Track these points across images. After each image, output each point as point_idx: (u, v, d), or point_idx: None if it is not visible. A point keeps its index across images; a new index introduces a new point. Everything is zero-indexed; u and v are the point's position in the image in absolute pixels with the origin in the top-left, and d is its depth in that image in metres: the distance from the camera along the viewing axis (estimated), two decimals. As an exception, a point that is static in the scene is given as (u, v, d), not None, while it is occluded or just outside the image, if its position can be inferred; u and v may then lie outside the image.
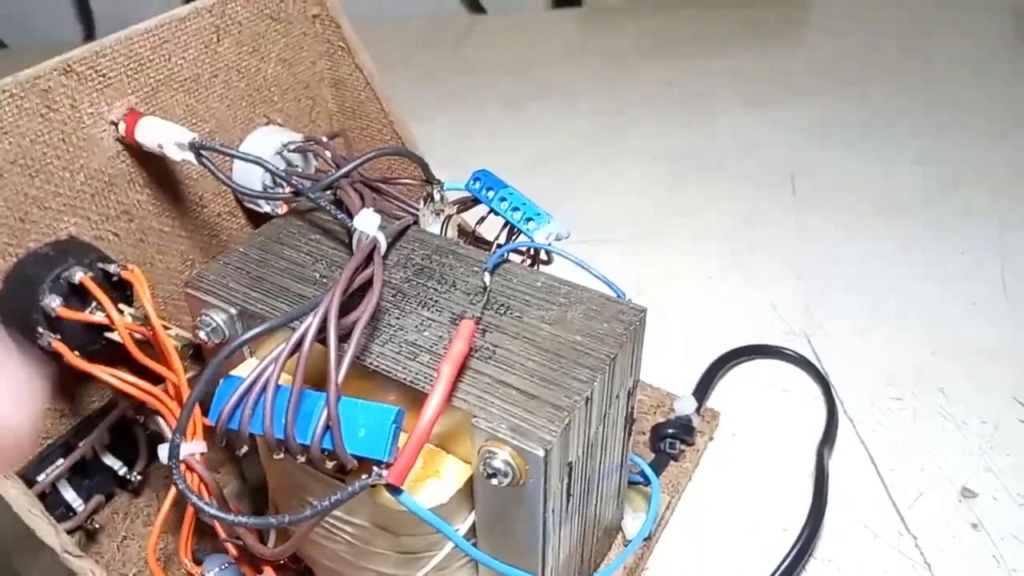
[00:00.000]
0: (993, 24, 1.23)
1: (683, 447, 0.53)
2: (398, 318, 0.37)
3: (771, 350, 0.62)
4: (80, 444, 0.46)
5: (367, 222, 0.38)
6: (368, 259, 0.36)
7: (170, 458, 0.31)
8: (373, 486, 0.31)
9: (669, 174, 0.88)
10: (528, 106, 1.05)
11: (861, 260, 0.74)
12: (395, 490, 0.31)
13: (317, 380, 0.33)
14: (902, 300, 0.69)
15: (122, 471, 0.48)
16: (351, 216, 0.40)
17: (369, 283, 0.36)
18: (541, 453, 0.31)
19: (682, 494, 0.52)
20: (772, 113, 0.99)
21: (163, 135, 0.42)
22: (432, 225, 0.47)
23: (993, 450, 0.55)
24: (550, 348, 0.36)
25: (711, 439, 0.55)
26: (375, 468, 0.31)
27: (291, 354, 0.32)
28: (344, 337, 0.33)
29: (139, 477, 0.49)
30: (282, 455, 0.33)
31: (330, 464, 0.32)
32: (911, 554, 0.48)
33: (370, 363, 0.35)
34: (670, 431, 0.52)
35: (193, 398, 0.32)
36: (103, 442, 0.48)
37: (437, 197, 0.47)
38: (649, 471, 0.47)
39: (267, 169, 0.41)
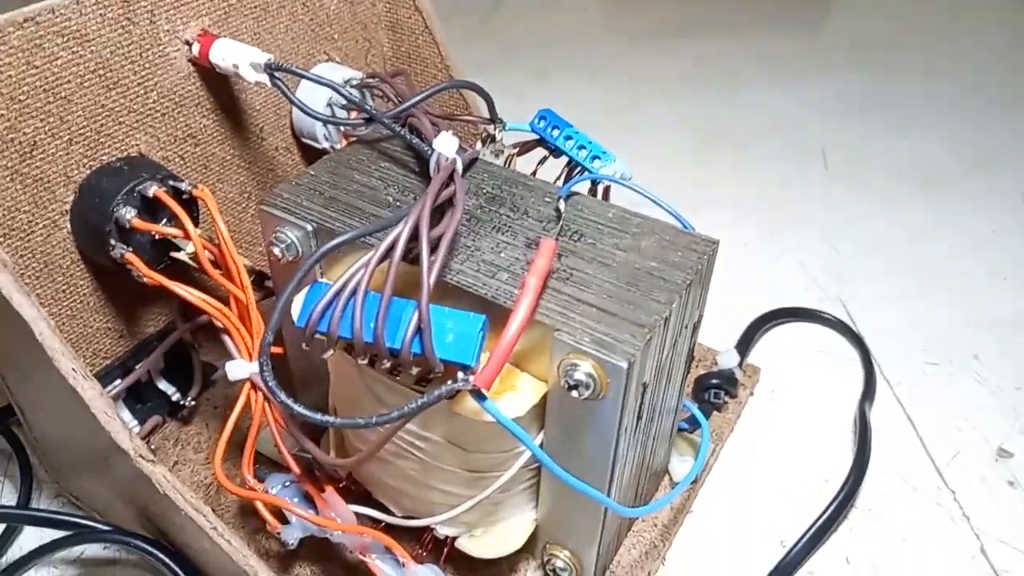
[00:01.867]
0: (1016, 8, 1.24)
1: (727, 398, 0.53)
2: (474, 240, 0.38)
3: (809, 313, 0.62)
4: (137, 366, 0.47)
5: (446, 145, 0.38)
6: (450, 178, 0.37)
7: (261, 355, 0.32)
8: (459, 392, 0.32)
9: (698, 147, 0.89)
10: (555, 77, 1.05)
11: (893, 233, 0.75)
12: (480, 396, 0.32)
13: (400, 293, 0.33)
14: (932, 271, 0.70)
15: (175, 397, 0.49)
16: (423, 140, 0.41)
17: (449, 202, 0.36)
18: (624, 365, 0.32)
19: (725, 443, 0.52)
20: (799, 91, 1.00)
21: (239, 55, 0.42)
22: (491, 165, 0.47)
23: (1028, 414, 0.56)
24: (627, 272, 0.36)
25: (752, 393, 0.56)
26: (461, 374, 0.32)
27: (381, 260, 0.33)
28: (430, 251, 0.33)
29: (193, 402, 0.49)
30: (366, 361, 0.33)
31: (415, 371, 0.33)
32: (950, 507, 0.49)
33: (451, 279, 0.35)
34: (714, 382, 0.53)
35: (284, 299, 0.32)
36: (158, 367, 0.48)
37: (499, 137, 0.48)
38: (699, 414, 0.47)
39: (342, 94, 0.41)
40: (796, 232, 0.74)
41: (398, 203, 0.40)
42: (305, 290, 0.34)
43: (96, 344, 0.45)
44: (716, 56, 1.10)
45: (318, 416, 0.32)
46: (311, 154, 0.54)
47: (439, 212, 0.36)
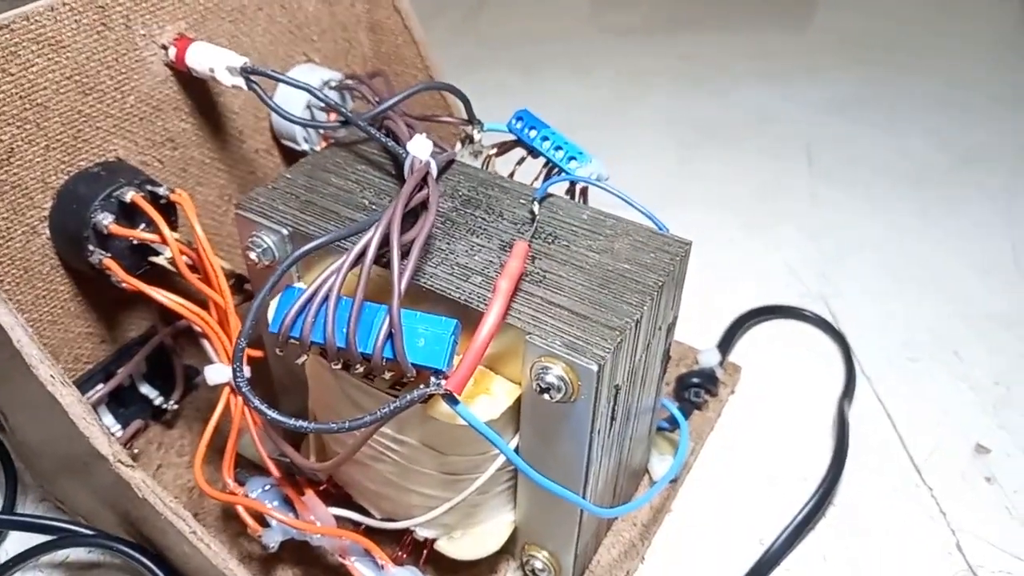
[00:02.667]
0: (1004, 3, 1.25)
1: (707, 397, 0.54)
2: (448, 243, 0.38)
3: (790, 310, 0.63)
4: (119, 371, 0.47)
5: (420, 148, 0.38)
6: (423, 182, 0.37)
7: (235, 360, 0.32)
8: (431, 396, 0.32)
9: (684, 144, 0.89)
10: (542, 74, 1.05)
11: (876, 230, 0.75)
12: (452, 400, 0.32)
13: (372, 297, 0.33)
14: (916, 268, 0.70)
15: (158, 400, 0.49)
16: (400, 146, 0.41)
17: (423, 205, 0.36)
18: (595, 368, 0.32)
19: (705, 441, 0.53)
20: (786, 87, 1.00)
21: (215, 59, 0.42)
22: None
23: (1006, 409, 0.56)
24: (599, 274, 0.36)
25: (732, 392, 0.56)
26: (433, 378, 0.32)
27: (352, 266, 0.33)
28: (400, 256, 0.33)
29: (175, 406, 0.49)
30: (340, 365, 0.33)
31: (388, 375, 0.33)
32: (927, 504, 0.50)
33: (424, 283, 0.35)
34: (695, 380, 0.53)
35: (257, 304, 0.33)
36: (140, 371, 0.49)
37: (477, 137, 0.48)
38: (678, 413, 0.48)
39: (317, 97, 0.41)
40: (780, 229, 0.75)
41: (374, 206, 0.40)
42: (279, 295, 0.35)
43: (77, 349, 0.45)
44: (703, 52, 1.10)
45: (291, 422, 0.32)
46: (291, 156, 0.54)
47: (413, 216, 0.36)
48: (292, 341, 0.33)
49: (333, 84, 0.50)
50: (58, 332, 0.44)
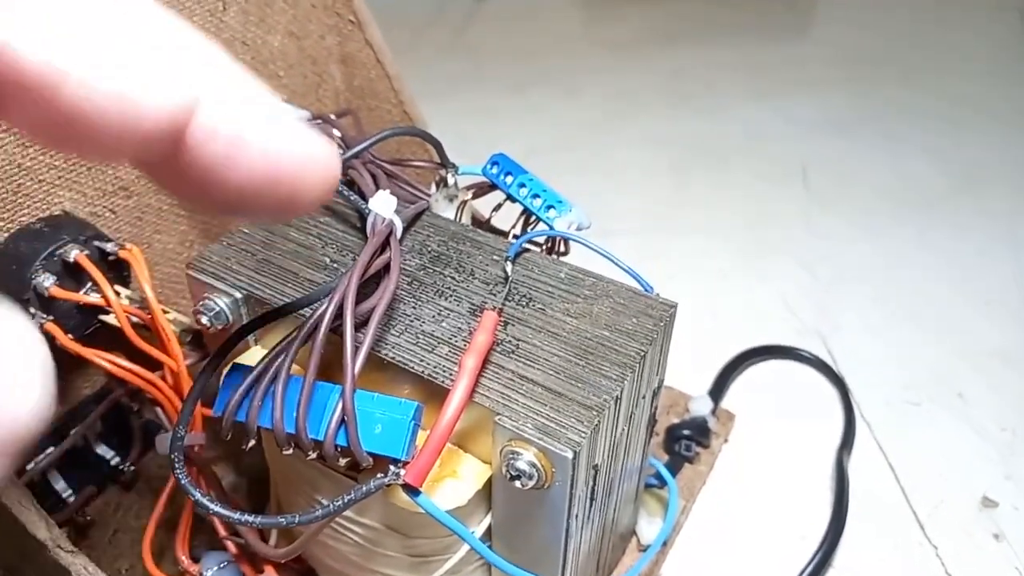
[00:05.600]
0: (1003, 19, 1.22)
1: (698, 449, 0.51)
2: (414, 307, 0.35)
3: (787, 351, 0.60)
4: (72, 432, 0.44)
5: (383, 205, 0.36)
6: (385, 244, 0.34)
7: (172, 451, 0.29)
8: (389, 486, 0.29)
9: (675, 166, 0.86)
10: (531, 93, 1.03)
11: (874, 258, 0.72)
12: (413, 491, 0.29)
13: (327, 372, 0.31)
14: (916, 299, 0.67)
15: (114, 461, 0.46)
16: (364, 198, 0.38)
17: (385, 269, 0.34)
18: (569, 455, 0.29)
19: (696, 497, 0.50)
20: (781, 105, 0.97)
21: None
22: (445, 211, 0.44)
23: (1013, 457, 0.53)
24: (576, 343, 0.34)
25: (726, 441, 0.54)
26: (391, 467, 0.29)
27: (303, 342, 0.30)
28: (359, 326, 0.31)
29: (132, 468, 0.47)
30: (291, 450, 0.31)
31: (343, 461, 0.30)
32: (932, 565, 0.47)
33: (385, 354, 0.33)
34: (685, 432, 0.51)
35: (197, 389, 0.30)
36: (95, 430, 0.46)
37: (451, 181, 0.45)
38: (667, 474, 0.45)
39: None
40: (774, 258, 0.72)
41: (336, 264, 0.37)
42: (224, 373, 0.32)
43: (24, 412, 0.43)
44: (696, 67, 1.07)
45: (236, 515, 0.29)
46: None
47: (376, 280, 0.33)
48: (237, 426, 0.30)
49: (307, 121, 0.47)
50: (2, 396, 0.41)
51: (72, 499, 0.45)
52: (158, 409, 0.40)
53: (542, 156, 0.87)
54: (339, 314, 0.30)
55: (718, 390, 0.56)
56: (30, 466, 0.42)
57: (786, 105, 0.97)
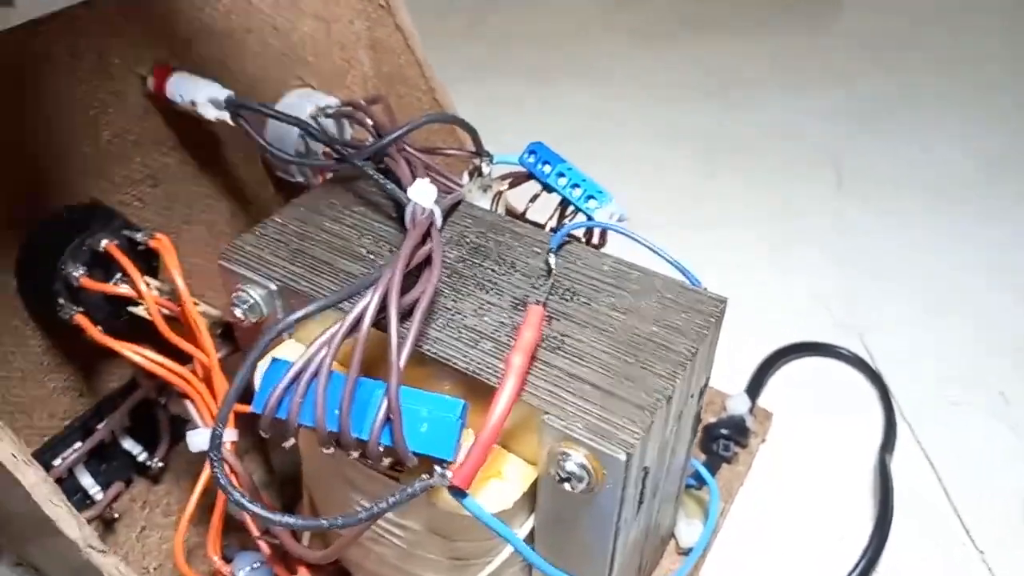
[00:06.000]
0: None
1: (736, 449, 0.50)
2: (455, 301, 0.34)
3: (825, 348, 0.59)
4: (99, 426, 0.43)
5: (423, 194, 0.34)
6: (426, 235, 0.33)
7: (211, 449, 0.28)
8: (435, 487, 0.28)
9: (702, 158, 0.85)
10: (554, 82, 1.01)
11: (909, 251, 0.70)
12: (460, 493, 0.28)
13: (368, 367, 0.30)
14: (953, 294, 0.66)
15: (142, 456, 0.45)
16: (400, 186, 0.37)
17: (426, 261, 0.32)
18: (623, 457, 0.28)
19: (735, 498, 0.49)
20: (810, 95, 0.95)
21: (196, 91, 0.38)
22: (479, 201, 0.43)
23: (1059, 459, 0.52)
24: (624, 339, 0.32)
25: (763, 441, 0.52)
26: (437, 468, 0.28)
27: (346, 336, 0.29)
28: (400, 320, 0.29)
29: (160, 464, 0.46)
30: (332, 449, 0.29)
31: (386, 461, 0.29)
32: (976, 568, 0.46)
33: (427, 350, 0.32)
34: (723, 432, 0.49)
35: (239, 385, 0.29)
36: (122, 424, 0.45)
37: (486, 171, 0.44)
38: (707, 475, 0.43)
39: (310, 133, 0.37)
40: (806, 253, 0.70)
41: (371, 255, 0.36)
42: (263, 366, 0.31)
43: (52, 406, 0.42)
44: (721, 56, 1.05)
45: (275, 517, 0.28)
46: (287, 185, 0.50)
47: (415, 272, 0.32)
48: (277, 423, 0.29)
49: (330, 111, 0.46)
50: (29, 389, 0.40)
51: (99, 494, 0.44)
52: (188, 403, 0.38)
53: (566, 145, 0.85)
54: (382, 307, 0.29)
55: (755, 388, 0.55)
56: (57, 462, 0.42)
57: (814, 95, 0.95)
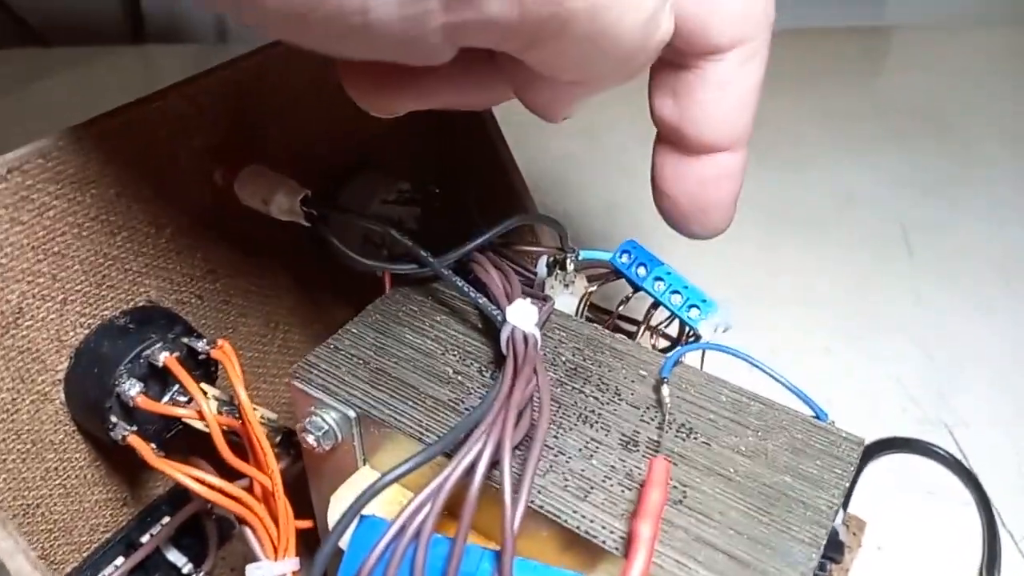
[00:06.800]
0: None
1: (832, 567, 0.45)
2: (555, 436, 0.30)
3: (918, 446, 0.54)
4: (143, 539, 0.40)
5: (524, 317, 0.31)
6: (531, 369, 0.29)
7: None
8: None
9: (760, 227, 0.81)
10: (599, 137, 0.98)
11: (994, 337, 0.66)
12: None
13: (448, 523, 0.26)
14: (1045, 386, 0.61)
15: (186, 569, 0.41)
16: (489, 297, 0.34)
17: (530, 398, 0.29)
18: (771, 652, 0.24)
19: (832, 625, 0.44)
20: (867, 158, 0.91)
21: (269, 189, 0.35)
22: (560, 299, 0.40)
23: None
24: (753, 491, 0.29)
25: (857, 555, 0.48)
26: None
27: (452, 491, 0.25)
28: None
29: (206, 577, 0.42)
30: (429, 626, 0.26)
31: (493, 643, 0.25)
32: None
33: (532, 502, 0.28)
34: (817, 548, 0.45)
35: (324, 552, 0.25)
36: (167, 535, 0.41)
37: (570, 267, 0.40)
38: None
39: (400, 240, 0.34)
40: (883, 336, 0.66)
41: (459, 375, 0.33)
42: (352, 526, 0.27)
43: (94, 519, 0.38)
44: (776, 116, 1.02)
45: None
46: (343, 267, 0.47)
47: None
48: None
49: (407, 195, 0.43)
50: (71, 505, 0.37)
51: (141, 613, 0.40)
52: (248, 532, 0.35)
53: (613, 212, 0.82)
54: (495, 458, 0.26)
55: (847, 494, 0.50)
56: (99, 585, 0.38)
57: (875, 160, 0.91)
